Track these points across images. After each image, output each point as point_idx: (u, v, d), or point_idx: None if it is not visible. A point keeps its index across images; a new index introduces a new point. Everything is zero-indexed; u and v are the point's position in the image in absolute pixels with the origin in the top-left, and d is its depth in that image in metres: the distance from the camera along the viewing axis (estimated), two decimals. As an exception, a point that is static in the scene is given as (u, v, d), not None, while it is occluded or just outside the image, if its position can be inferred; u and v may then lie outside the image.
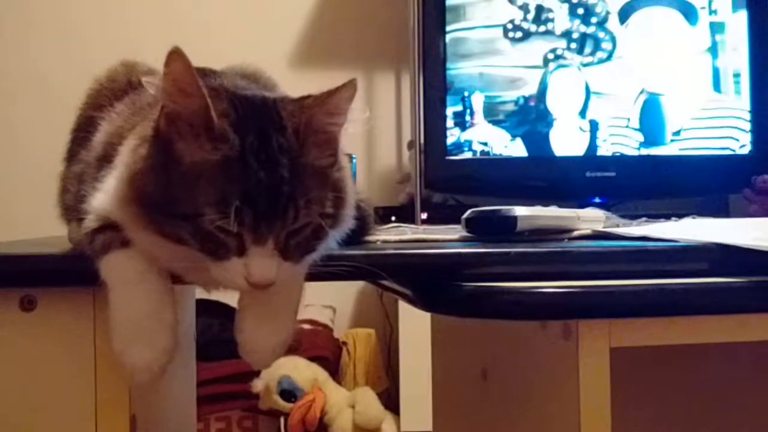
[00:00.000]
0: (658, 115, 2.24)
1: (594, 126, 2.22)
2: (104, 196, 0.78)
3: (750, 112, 2.23)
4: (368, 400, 2.13)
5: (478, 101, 2.20)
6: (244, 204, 0.70)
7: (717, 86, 2.24)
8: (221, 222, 0.70)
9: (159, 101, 0.74)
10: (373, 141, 2.61)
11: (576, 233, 0.98)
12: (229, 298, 0.82)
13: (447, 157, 2.20)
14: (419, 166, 2.21)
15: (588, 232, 0.99)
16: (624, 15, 2.24)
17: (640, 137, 2.23)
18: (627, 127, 2.23)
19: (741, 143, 2.24)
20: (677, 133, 2.23)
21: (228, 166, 0.71)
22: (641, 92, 2.23)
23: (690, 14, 2.25)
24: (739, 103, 2.23)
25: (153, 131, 0.74)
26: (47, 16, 2.54)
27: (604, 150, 2.22)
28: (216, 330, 1.99)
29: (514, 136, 2.21)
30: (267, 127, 0.74)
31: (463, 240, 0.96)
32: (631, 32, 2.23)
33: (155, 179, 0.72)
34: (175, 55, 0.71)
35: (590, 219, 1.02)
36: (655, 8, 2.25)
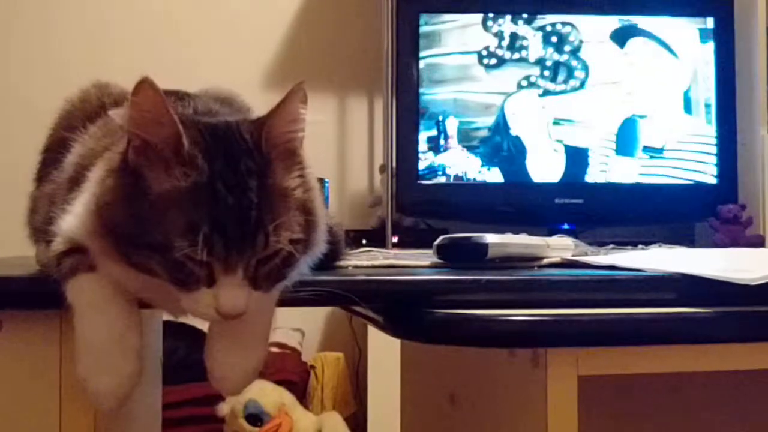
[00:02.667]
0: (630, 142, 2.27)
1: (564, 153, 2.25)
2: (73, 219, 0.77)
3: (716, 142, 2.27)
4: (336, 425, 2.12)
5: (452, 126, 2.22)
6: (213, 231, 0.69)
7: (689, 114, 2.28)
8: (190, 250, 0.69)
9: (125, 131, 0.73)
10: (345, 164, 2.61)
11: (545, 261, 0.99)
12: (196, 321, 0.81)
13: (419, 182, 2.21)
14: (391, 190, 2.22)
15: (557, 260, 1.00)
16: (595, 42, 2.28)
17: (610, 164, 2.26)
18: (597, 154, 2.26)
19: (707, 173, 2.28)
20: (658, 158, 2.27)
21: (197, 194, 0.71)
22: (614, 119, 2.26)
23: (664, 46, 2.30)
24: (702, 136, 2.28)
25: (120, 162, 0.74)
26: (28, 37, 2.51)
27: (574, 177, 2.25)
28: (182, 353, 1.97)
29: (486, 162, 2.23)
30: (234, 151, 0.74)
31: (434, 266, 0.96)
32: (605, 61, 2.27)
33: (123, 210, 0.72)
34: (146, 85, 0.70)
35: (559, 247, 1.04)
36: (636, 39, 2.30)
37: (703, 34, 2.29)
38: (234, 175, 0.72)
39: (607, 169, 2.26)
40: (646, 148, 2.26)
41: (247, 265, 0.72)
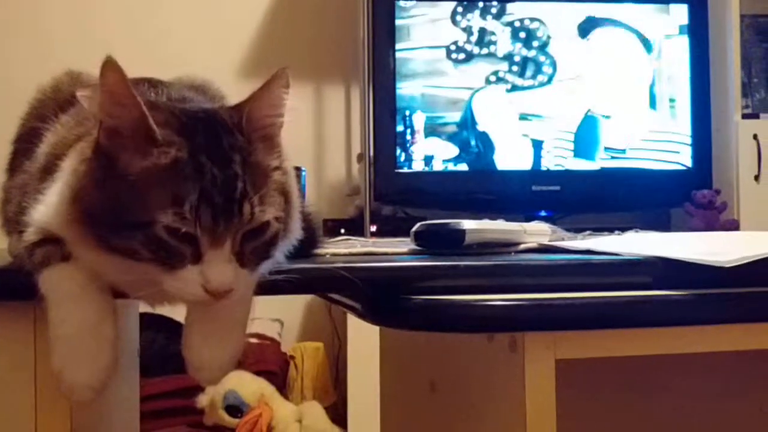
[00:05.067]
0: (599, 134, 2.29)
1: (537, 145, 2.26)
2: (45, 209, 0.76)
3: (691, 129, 2.29)
4: (316, 415, 2.12)
5: (419, 121, 2.22)
6: (201, 201, 0.69)
7: (654, 107, 2.30)
8: (177, 222, 0.68)
9: (97, 116, 0.73)
10: (322, 153, 2.61)
11: (522, 246, 1.00)
12: (174, 312, 0.81)
13: (396, 170, 2.21)
14: (368, 179, 2.22)
15: (534, 245, 1.01)
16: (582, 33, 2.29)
17: (583, 154, 2.28)
18: (572, 142, 2.27)
19: (682, 160, 2.30)
20: (620, 150, 2.29)
21: (180, 168, 0.70)
22: (584, 112, 2.28)
23: (633, 41, 2.31)
24: (677, 122, 2.30)
25: (93, 147, 0.73)
26: (8, 22, 2.48)
27: (549, 165, 2.26)
28: (160, 344, 1.96)
29: (459, 154, 2.23)
30: (215, 129, 0.74)
31: (412, 253, 0.96)
32: (574, 55, 2.28)
33: (101, 194, 0.71)
34: (108, 67, 0.70)
35: (536, 232, 1.04)
36: (607, 29, 2.31)
37: (675, 24, 2.30)
38: (217, 150, 0.72)
39: (581, 158, 2.27)
40: (606, 149, 2.28)
41: (234, 237, 0.71)
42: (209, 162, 0.71)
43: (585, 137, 2.27)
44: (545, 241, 1.03)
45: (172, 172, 0.70)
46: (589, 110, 2.28)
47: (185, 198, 0.69)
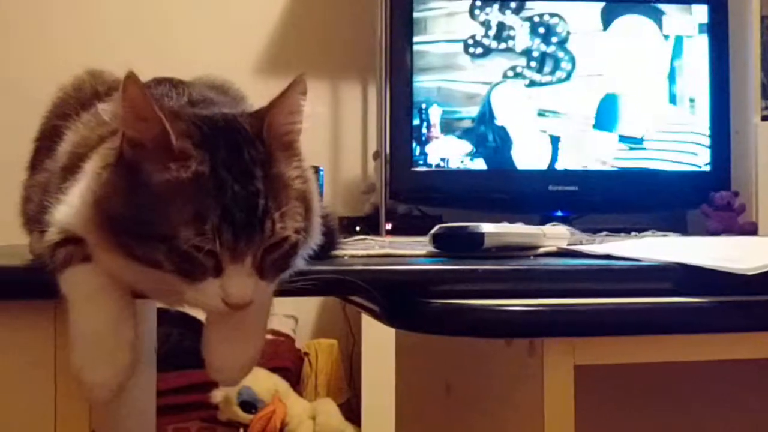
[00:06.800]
0: (609, 118, 2.27)
1: (555, 141, 2.25)
2: (68, 209, 0.76)
3: (710, 130, 2.27)
4: (329, 412, 2.12)
5: (435, 115, 2.21)
6: (222, 220, 0.69)
7: (673, 105, 2.29)
8: (199, 241, 0.68)
9: (119, 126, 0.73)
10: (338, 151, 2.60)
11: (541, 250, 0.99)
12: (191, 309, 0.81)
13: (412, 168, 2.21)
14: (384, 177, 2.21)
15: (553, 249, 1.00)
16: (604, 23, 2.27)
17: (600, 152, 2.26)
18: (587, 141, 2.26)
19: (700, 161, 2.28)
20: (638, 149, 2.27)
21: (201, 183, 0.70)
22: (599, 109, 2.26)
23: (653, 39, 2.29)
24: (696, 123, 2.28)
25: (116, 156, 0.73)
26: (23, 24, 2.49)
27: (567, 164, 2.25)
28: (175, 340, 1.97)
29: (476, 150, 2.23)
30: (236, 141, 0.74)
31: (430, 256, 0.96)
32: (594, 51, 2.27)
33: (124, 202, 0.71)
34: (130, 81, 0.70)
35: (555, 236, 1.04)
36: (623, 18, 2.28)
37: (696, 23, 2.28)
38: (238, 163, 0.72)
39: (588, 153, 2.25)
40: (625, 138, 2.26)
41: (255, 253, 0.71)
42: (231, 177, 0.71)
43: (604, 117, 2.24)
44: (564, 244, 1.03)
45: (194, 188, 0.70)
46: (607, 92, 2.25)
47: (207, 216, 0.69)
